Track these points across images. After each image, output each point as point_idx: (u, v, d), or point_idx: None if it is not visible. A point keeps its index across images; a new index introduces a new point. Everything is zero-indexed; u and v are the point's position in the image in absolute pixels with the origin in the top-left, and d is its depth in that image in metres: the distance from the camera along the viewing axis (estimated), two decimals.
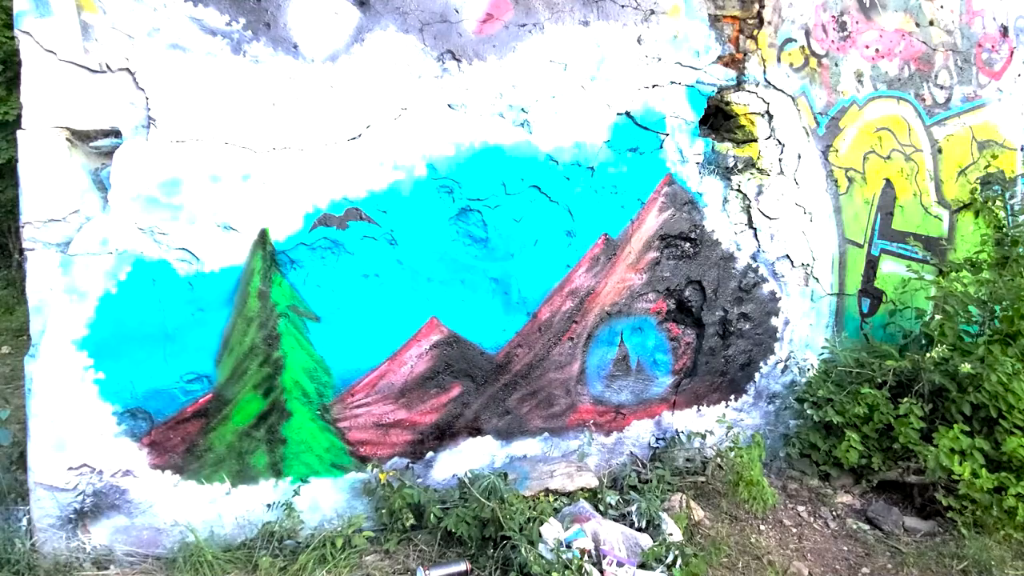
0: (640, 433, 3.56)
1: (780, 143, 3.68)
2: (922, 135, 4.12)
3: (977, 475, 3.12)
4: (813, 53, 3.72)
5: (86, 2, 2.47)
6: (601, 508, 3.05)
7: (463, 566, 2.74)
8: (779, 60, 3.63)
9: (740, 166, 3.61)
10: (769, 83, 3.61)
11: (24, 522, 2.74)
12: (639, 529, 2.95)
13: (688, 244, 3.55)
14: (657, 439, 3.59)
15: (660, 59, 3.35)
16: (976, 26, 4.20)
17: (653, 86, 3.35)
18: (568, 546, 2.70)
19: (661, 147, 3.41)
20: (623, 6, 3.26)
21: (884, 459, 3.45)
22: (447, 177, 3.02)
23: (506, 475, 3.13)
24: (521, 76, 3.09)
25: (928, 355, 3.39)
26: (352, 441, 3.03)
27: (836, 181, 3.87)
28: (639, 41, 3.30)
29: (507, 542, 2.77)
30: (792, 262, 3.79)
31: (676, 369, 3.62)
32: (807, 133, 3.75)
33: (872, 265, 4.06)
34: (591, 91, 3.23)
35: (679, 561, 2.76)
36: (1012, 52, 4.34)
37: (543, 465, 3.22)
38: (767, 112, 3.63)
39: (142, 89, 2.55)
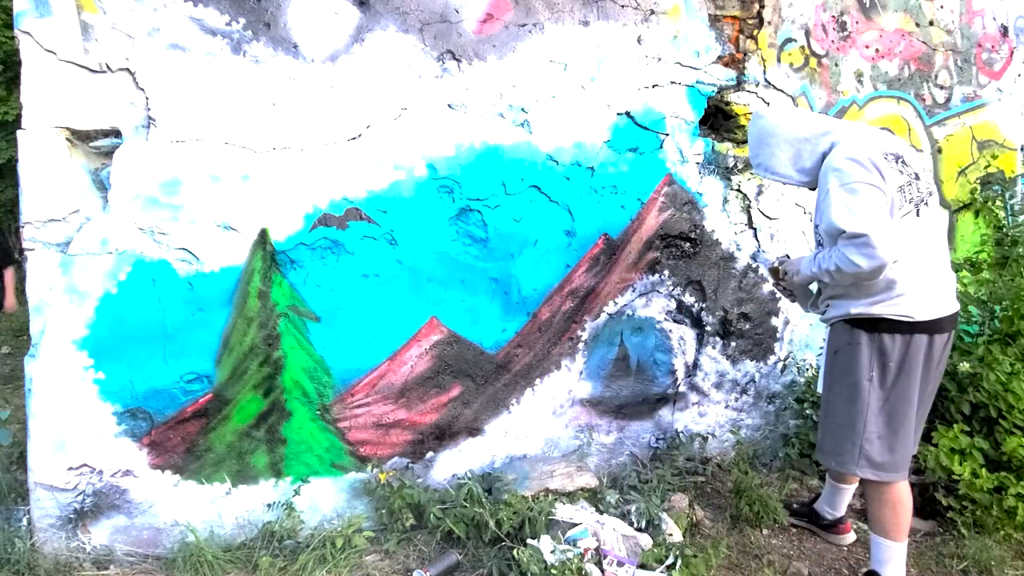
0: (640, 433, 3.57)
1: None
2: (922, 135, 4.12)
3: (977, 475, 3.12)
4: (813, 53, 3.72)
5: (86, 2, 2.47)
6: (601, 508, 3.06)
7: (454, 557, 2.77)
8: (779, 60, 3.63)
9: (740, 166, 3.61)
10: (769, 83, 3.61)
11: (24, 522, 2.74)
12: (639, 529, 2.96)
13: (688, 244, 3.55)
14: (657, 439, 3.59)
15: (660, 59, 3.35)
16: (976, 26, 4.20)
17: (653, 86, 3.35)
18: (574, 543, 2.71)
19: (661, 147, 3.41)
20: (623, 6, 3.26)
21: None
22: (447, 177, 3.02)
23: (490, 475, 3.15)
24: (521, 76, 3.09)
25: None
26: (352, 441, 3.03)
27: None
28: (639, 41, 3.30)
29: (505, 542, 2.77)
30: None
31: (677, 368, 3.63)
32: None
33: None
34: (591, 91, 3.23)
35: (679, 562, 2.76)
36: (1012, 52, 4.35)
37: (543, 465, 3.22)
38: None
39: (142, 89, 2.56)
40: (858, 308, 2.50)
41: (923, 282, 2.46)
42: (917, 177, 2.38)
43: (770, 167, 2.62)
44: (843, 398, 2.62)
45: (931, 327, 2.51)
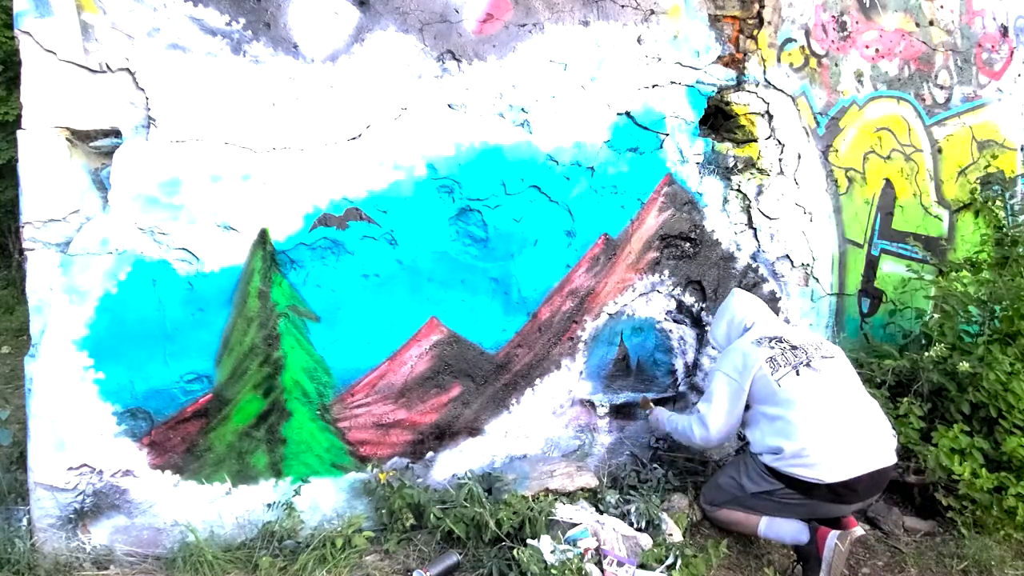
0: (640, 433, 3.56)
1: (780, 143, 3.68)
2: (922, 135, 4.12)
3: (977, 475, 3.12)
4: (813, 53, 3.72)
5: (86, 2, 2.47)
6: (601, 508, 3.06)
7: (454, 557, 2.77)
8: (779, 60, 3.63)
9: (740, 166, 3.61)
10: (769, 83, 3.61)
11: (24, 522, 2.74)
12: (639, 529, 2.96)
13: (688, 244, 3.55)
14: (657, 439, 3.59)
15: (660, 59, 3.35)
16: (976, 26, 4.20)
17: (653, 86, 3.35)
18: (574, 543, 2.70)
19: (661, 147, 3.41)
20: (623, 6, 3.26)
21: None
22: (447, 177, 3.02)
23: (490, 475, 3.16)
24: (521, 76, 3.09)
25: (927, 354, 3.39)
26: (352, 441, 3.03)
27: (836, 181, 3.87)
28: (639, 41, 3.30)
29: (505, 542, 2.77)
30: (792, 262, 3.79)
31: (677, 368, 3.63)
32: (807, 133, 3.75)
33: (872, 265, 4.06)
34: (591, 91, 3.23)
35: (679, 562, 2.76)
36: (1012, 52, 4.34)
37: (543, 465, 3.22)
38: (767, 112, 3.63)
39: (142, 89, 2.55)
40: (764, 457, 2.85)
41: (826, 439, 2.72)
42: (793, 348, 2.90)
43: (713, 333, 3.27)
44: (729, 476, 3.02)
45: (839, 495, 2.74)
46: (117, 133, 2.56)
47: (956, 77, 4.18)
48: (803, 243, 3.81)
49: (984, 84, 4.28)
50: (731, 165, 3.59)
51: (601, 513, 3.00)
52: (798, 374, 2.82)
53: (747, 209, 3.66)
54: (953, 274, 3.86)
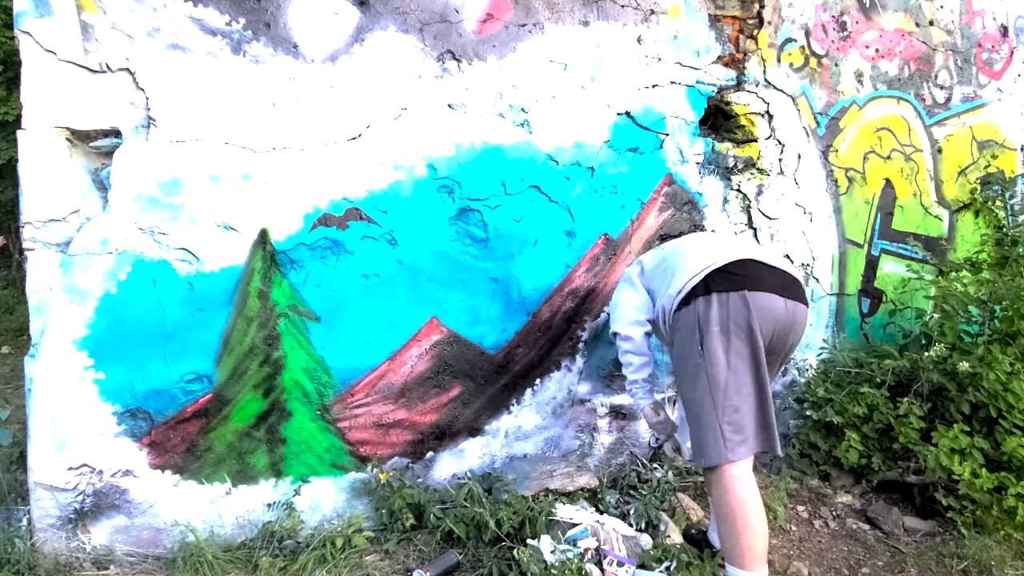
0: (640, 433, 3.56)
1: (780, 143, 3.68)
2: (922, 135, 4.12)
3: (977, 475, 3.12)
4: (813, 53, 3.72)
5: (86, 2, 2.47)
6: (601, 508, 3.06)
7: (454, 557, 2.77)
8: (779, 60, 3.63)
9: (740, 166, 3.61)
10: (769, 83, 3.61)
11: (24, 522, 2.74)
12: (639, 530, 2.95)
13: None
14: (657, 439, 3.59)
15: (660, 59, 3.35)
16: (976, 26, 4.20)
17: (653, 86, 3.35)
18: (574, 543, 2.71)
19: (661, 147, 3.41)
20: (623, 6, 3.26)
21: (884, 459, 3.45)
22: (447, 177, 3.02)
23: (490, 475, 3.16)
24: (521, 76, 3.09)
25: (927, 354, 3.39)
26: (352, 441, 3.03)
27: (836, 181, 3.87)
28: (639, 41, 3.30)
29: (505, 542, 2.77)
30: (792, 262, 3.79)
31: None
32: (807, 133, 3.75)
33: (872, 265, 4.06)
34: (591, 91, 3.23)
35: (675, 564, 2.76)
36: (1012, 52, 4.35)
37: (543, 465, 3.22)
38: (767, 112, 3.63)
39: (142, 89, 2.56)
40: (672, 303, 2.58)
41: (712, 248, 2.61)
42: None
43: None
44: (687, 386, 2.50)
45: (748, 278, 2.43)
46: (117, 133, 2.56)
47: (956, 77, 4.18)
48: (803, 243, 3.81)
49: (984, 84, 4.28)
50: (731, 165, 3.59)
51: (601, 513, 3.00)
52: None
53: (747, 209, 3.66)
54: (953, 274, 3.86)
